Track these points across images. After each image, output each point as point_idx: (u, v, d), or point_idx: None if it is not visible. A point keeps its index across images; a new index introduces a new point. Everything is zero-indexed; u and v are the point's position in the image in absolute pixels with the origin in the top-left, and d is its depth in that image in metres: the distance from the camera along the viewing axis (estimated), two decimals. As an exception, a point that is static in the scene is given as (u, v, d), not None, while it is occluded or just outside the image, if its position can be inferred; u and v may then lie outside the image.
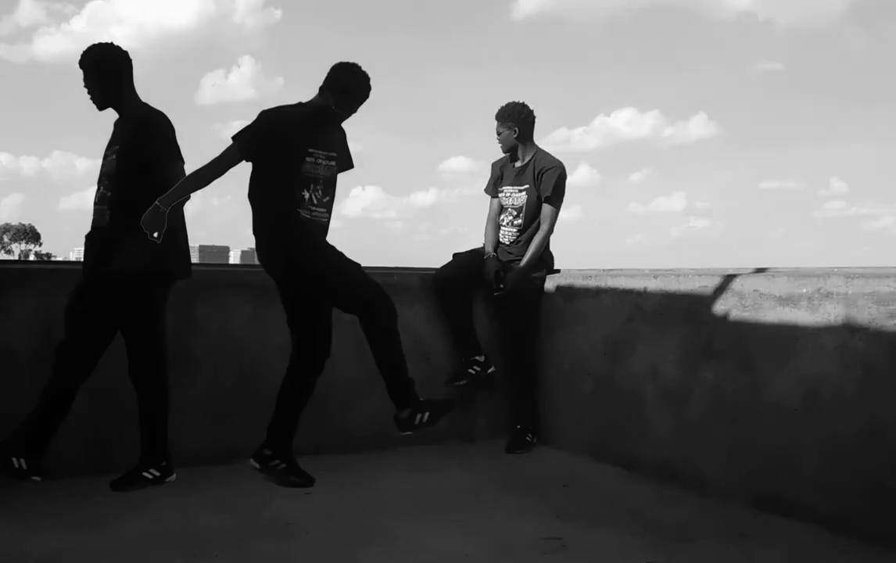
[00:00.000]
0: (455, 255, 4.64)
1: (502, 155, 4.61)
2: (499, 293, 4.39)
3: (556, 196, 4.44)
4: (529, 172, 4.49)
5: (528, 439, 4.41)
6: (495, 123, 4.52)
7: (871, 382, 2.96)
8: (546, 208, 4.45)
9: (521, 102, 4.50)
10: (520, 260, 4.44)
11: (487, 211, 4.68)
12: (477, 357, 4.40)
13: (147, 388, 3.44)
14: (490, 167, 4.71)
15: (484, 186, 4.73)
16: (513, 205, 4.53)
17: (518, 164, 4.53)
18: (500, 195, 4.60)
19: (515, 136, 4.47)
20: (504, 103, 4.50)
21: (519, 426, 4.43)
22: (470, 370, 4.39)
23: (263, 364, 3.88)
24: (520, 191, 4.51)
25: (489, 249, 4.55)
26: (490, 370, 4.43)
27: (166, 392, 3.48)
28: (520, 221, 4.50)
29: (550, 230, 4.48)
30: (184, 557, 2.70)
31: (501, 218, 4.59)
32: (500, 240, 4.57)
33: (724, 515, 3.23)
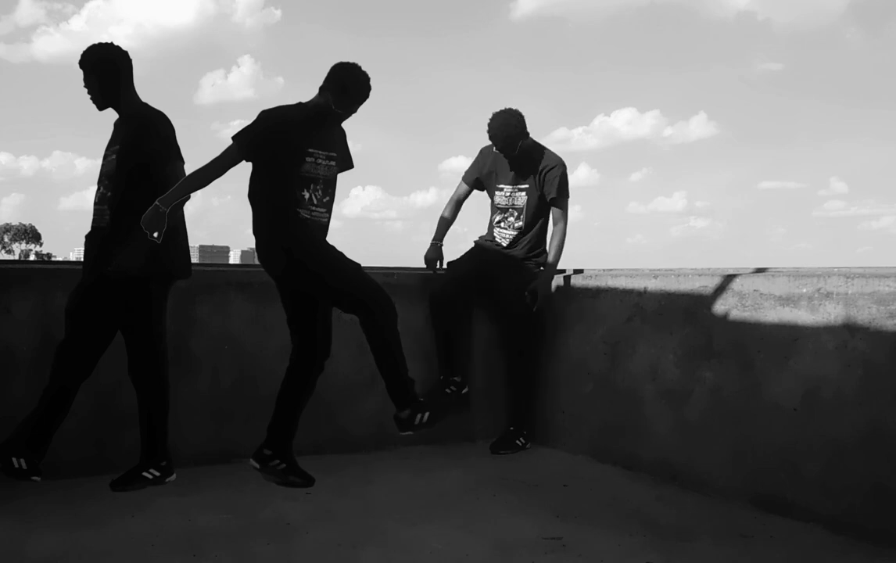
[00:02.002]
0: (450, 264, 4.50)
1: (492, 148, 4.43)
2: (534, 307, 4.29)
3: (561, 196, 4.37)
4: (529, 169, 4.36)
5: (518, 442, 4.37)
6: (496, 140, 4.30)
7: (872, 382, 2.96)
8: (556, 211, 4.38)
9: (502, 111, 4.33)
10: (519, 257, 4.39)
11: (453, 193, 4.57)
12: (455, 378, 4.30)
13: (147, 388, 3.44)
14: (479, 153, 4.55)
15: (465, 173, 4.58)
16: (513, 205, 4.43)
17: (514, 160, 4.38)
18: (496, 194, 4.47)
19: (523, 137, 4.32)
20: (497, 124, 4.28)
21: (512, 428, 4.41)
22: (446, 390, 4.28)
23: (263, 364, 3.89)
24: (520, 190, 4.41)
25: (437, 235, 4.47)
26: (465, 391, 4.33)
27: (166, 392, 3.48)
28: (520, 222, 4.41)
29: (565, 228, 4.41)
30: (184, 557, 2.70)
31: (497, 218, 4.47)
32: (497, 240, 4.47)
33: (724, 515, 3.23)
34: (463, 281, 4.41)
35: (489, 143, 4.43)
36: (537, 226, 4.42)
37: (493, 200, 4.50)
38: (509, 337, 4.46)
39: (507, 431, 4.41)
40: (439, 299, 4.37)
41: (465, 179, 4.57)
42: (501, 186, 4.45)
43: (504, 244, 4.44)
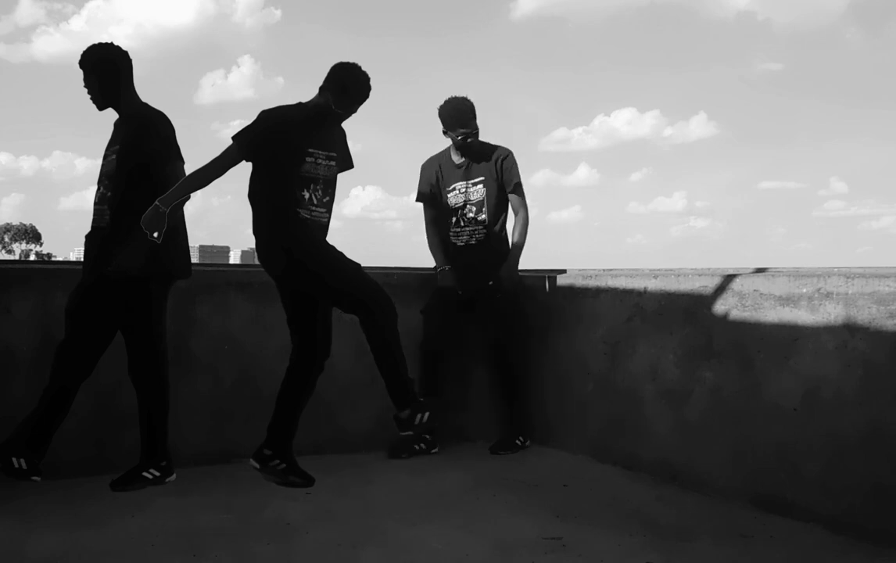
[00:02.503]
0: (426, 311, 4.32)
1: (442, 153, 4.40)
2: (502, 295, 4.26)
3: (521, 182, 4.32)
4: (481, 163, 4.27)
5: (517, 442, 4.35)
6: (474, 123, 4.23)
7: (872, 382, 2.96)
8: (515, 198, 4.31)
9: (451, 97, 4.26)
10: (492, 259, 4.27)
11: (424, 219, 4.42)
12: (426, 435, 4.20)
13: (147, 387, 3.45)
14: (421, 171, 4.46)
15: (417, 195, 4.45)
16: (470, 201, 4.28)
17: (459, 158, 4.32)
18: (448, 196, 4.34)
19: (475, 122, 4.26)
20: (453, 108, 4.23)
21: (510, 428, 4.39)
22: (416, 446, 4.20)
23: (263, 364, 3.89)
24: (475, 184, 4.28)
25: (441, 258, 4.33)
26: (434, 450, 4.26)
27: (166, 392, 3.48)
28: (483, 215, 4.28)
29: (527, 210, 4.33)
30: (184, 557, 2.70)
31: (453, 219, 4.33)
32: (460, 243, 4.33)
33: (724, 515, 3.23)
34: (448, 329, 4.32)
35: (427, 158, 4.45)
36: (503, 216, 4.34)
37: (446, 204, 4.36)
38: (497, 339, 4.38)
39: (505, 431, 4.41)
40: (434, 347, 4.30)
41: (423, 200, 4.42)
42: (452, 186, 4.33)
43: (473, 242, 4.30)
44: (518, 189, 4.33)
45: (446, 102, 4.28)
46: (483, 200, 4.29)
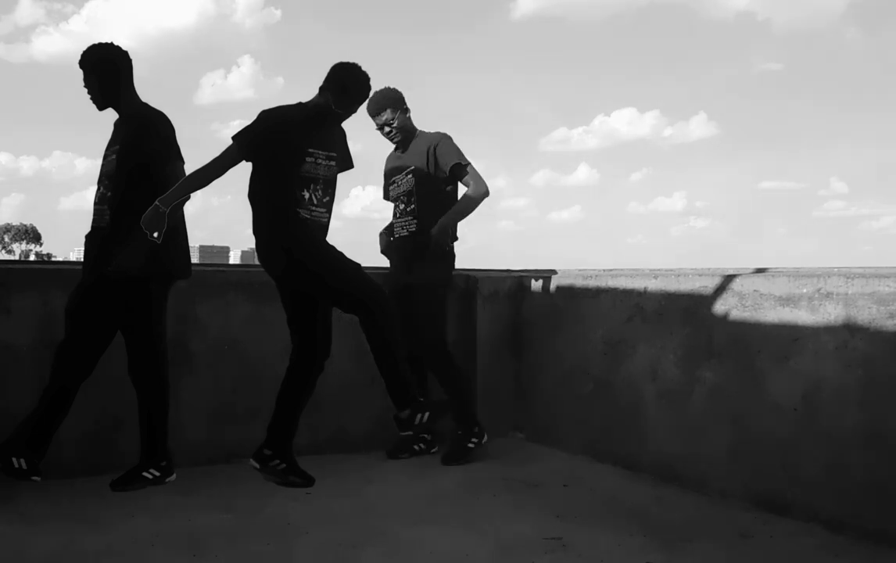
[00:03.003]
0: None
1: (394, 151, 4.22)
2: (436, 248, 3.97)
3: (461, 160, 3.98)
4: (412, 153, 4.08)
5: (471, 445, 4.01)
6: (383, 115, 4.02)
7: (872, 382, 2.96)
8: (465, 179, 4.02)
9: (374, 92, 3.89)
10: (422, 251, 4.00)
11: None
12: (424, 434, 4.12)
13: (147, 387, 3.45)
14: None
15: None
16: (402, 192, 4.09)
17: (399, 150, 4.16)
18: (389, 189, 4.21)
19: (408, 114, 4.09)
20: (375, 93, 3.92)
21: (460, 432, 4.05)
22: (415, 446, 4.15)
23: (263, 364, 3.89)
24: (406, 175, 4.08)
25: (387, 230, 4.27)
26: (434, 450, 4.18)
27: (166, 392, 3.49)
28: (412, 206, 4.04)
29: (482, 185, 3.99)
30: (184, 557, 2.70)
31: (394, 211, 4.17)
32: (396, 235, 4.17)
33: (724, 515, 3.23)
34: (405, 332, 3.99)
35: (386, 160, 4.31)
36: (440, 207, 4.01)
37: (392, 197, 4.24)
38: (427, 340, 4.05)
39: (455, 437, 4.07)
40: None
41: (386, 198, 4.31)
42: (391, 179, 4.19)
43: (405, 232, 4.09)
44: (459, 170, 3.98)
45: (371, 97, 3.90)
46: (412, 190, 4.05)
